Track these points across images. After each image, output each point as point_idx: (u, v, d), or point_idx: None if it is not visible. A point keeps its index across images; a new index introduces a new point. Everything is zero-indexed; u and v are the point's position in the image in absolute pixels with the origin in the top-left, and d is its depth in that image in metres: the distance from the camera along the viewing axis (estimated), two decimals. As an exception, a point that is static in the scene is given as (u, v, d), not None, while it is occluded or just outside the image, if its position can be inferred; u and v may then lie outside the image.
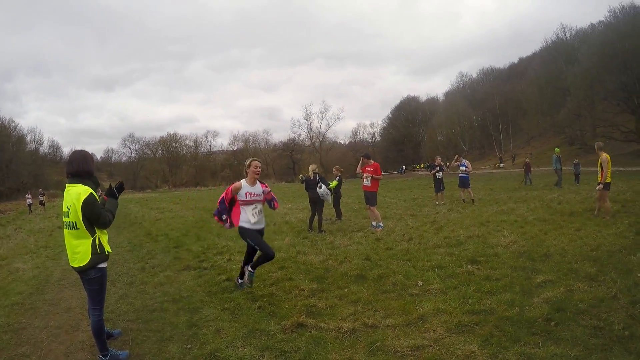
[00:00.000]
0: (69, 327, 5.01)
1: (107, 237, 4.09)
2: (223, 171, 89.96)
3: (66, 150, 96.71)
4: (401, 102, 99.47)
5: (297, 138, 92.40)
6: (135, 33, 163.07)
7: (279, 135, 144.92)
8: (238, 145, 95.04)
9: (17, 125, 74.86)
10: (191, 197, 36.91)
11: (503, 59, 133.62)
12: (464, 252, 7.19)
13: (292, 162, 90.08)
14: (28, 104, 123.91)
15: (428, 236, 9.02)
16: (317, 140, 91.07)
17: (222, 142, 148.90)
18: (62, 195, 4.10)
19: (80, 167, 3.91)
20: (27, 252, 11.45)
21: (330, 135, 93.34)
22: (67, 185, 3.92)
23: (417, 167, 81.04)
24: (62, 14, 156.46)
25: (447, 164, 63.19)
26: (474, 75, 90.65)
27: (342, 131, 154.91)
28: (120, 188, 4.26)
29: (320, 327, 4.33)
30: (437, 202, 15.69)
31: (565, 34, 63.05)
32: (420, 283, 5.66)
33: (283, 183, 72.81)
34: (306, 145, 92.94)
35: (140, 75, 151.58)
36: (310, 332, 4.26)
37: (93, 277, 3.90)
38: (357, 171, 11.15)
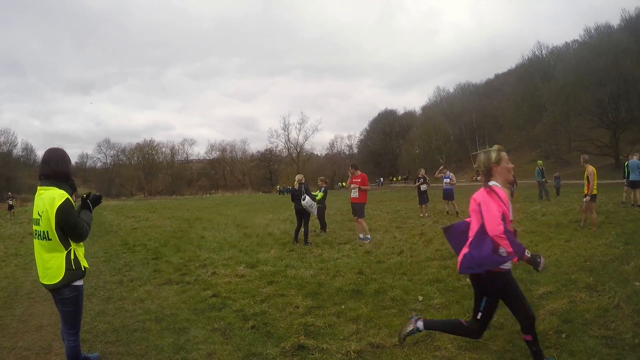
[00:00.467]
0: (39, 349, 4.49)
1: (83, 250, 3.54)
2: (200, 180, 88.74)
3: (40, 153, 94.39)
4: (379, 115, 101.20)
5: (274, 148, 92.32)
6: (114, 36, 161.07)
7: (256, 145, 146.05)
8: (215, 154, 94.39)
9: None
10: (168, 206, 35.71)
11: (479, 75, 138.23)
12: (458, 265, 6.99)
13: (269, 173, 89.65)
14: (1, 104, 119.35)
15: (418, 249, 8.79)
16: (295, 151, 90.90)
17: (198, 151, 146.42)
18: (33, 200, 3.51)
19: (58, 167, 3.37)
20: (-4, 260, 10.68)
21: (307, 146, 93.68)
22: (39, 188, 3.36)
23: (394, 179, 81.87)
24: (39, 11, 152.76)
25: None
26: (451, 90, 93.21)
27: (319, 143, 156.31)
28: (97, 200, 3.72)
29: (323, 349, 3.98)
30: (421, 215, 15.49)
31: (541, 52, 65.60)
32: (420, 298, 5.43)
33: (260, 193, 72.36)
34: (283, 156, 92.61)
35: (117, 79, 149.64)
36: (312, 354, 3.92)
37: (67, 296, 3.35)
38: (348, 183, 10.80)
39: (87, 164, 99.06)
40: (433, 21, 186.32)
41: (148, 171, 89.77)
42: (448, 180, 15.70)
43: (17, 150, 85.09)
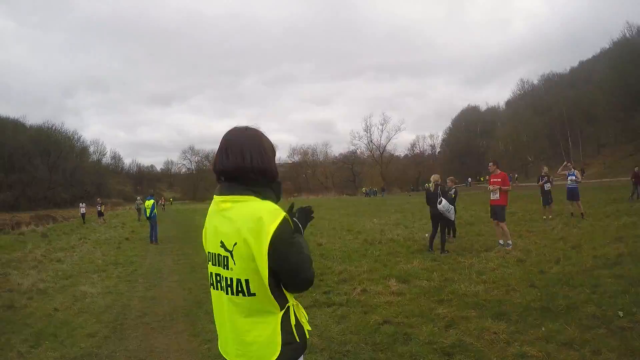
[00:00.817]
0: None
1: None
2: (284, 184, 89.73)
3: (127, 161, 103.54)
4: (461, 112, 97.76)
5: (357, 150, 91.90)
6: (188, 50, 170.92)
7: (337, 148, 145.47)
8: (296, 158, 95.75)
9: (80, 137, 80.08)
10: None
11: (560, 64, 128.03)
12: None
13: (352, 175, 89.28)
14: (89, 118, 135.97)
15: (571, 255, 7.98)
16: (378, 152, 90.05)
17: (280, 155, 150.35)
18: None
19: (254, 160, 1.72)
20: (95, 269, 10.33)
21: (389, 147, 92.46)
22: (217, 198, 1.76)
23: (482, 179, 77.99)
24: (118, 34, 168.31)
25: (516, 176, 61.03)
26: (535, 82, 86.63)
27: (398, 144, 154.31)
28: (306, 215, 1.99)
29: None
30: (544, 217, 14.33)
31: (632, 32, 59.19)
32: (620, 314, 4.73)
33: (344, 196, 72.38)
34: (365, 158, 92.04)
35: (195, 91, 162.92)
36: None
37: None
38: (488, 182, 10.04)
39: (172, 170, 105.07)
40: (504, 10, 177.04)
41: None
42: (573, 177, 14.32)
43: (107, 159, 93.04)
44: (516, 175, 62.46)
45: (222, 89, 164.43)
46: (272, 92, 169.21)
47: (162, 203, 48.37)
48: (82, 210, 30.49)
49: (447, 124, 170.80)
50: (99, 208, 28.80)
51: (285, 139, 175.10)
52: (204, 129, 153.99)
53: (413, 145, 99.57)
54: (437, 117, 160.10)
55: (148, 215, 15.84)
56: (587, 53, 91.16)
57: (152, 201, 16.12)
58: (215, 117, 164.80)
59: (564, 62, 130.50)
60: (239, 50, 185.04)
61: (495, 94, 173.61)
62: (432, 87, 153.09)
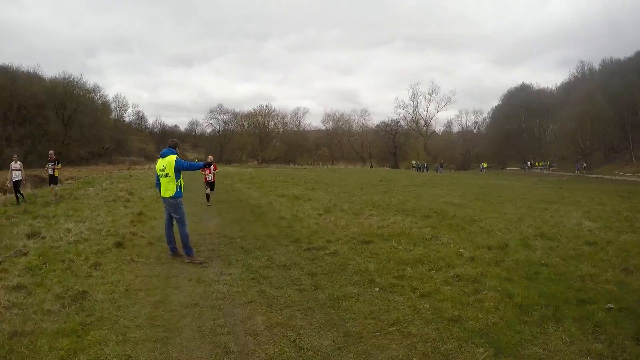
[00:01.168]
0: None
1: None
2: (320, 149, 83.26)
3: (151, 120, 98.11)
4: (514, 89, 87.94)
5: (401, 120, 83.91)
6: (211, 11, 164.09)
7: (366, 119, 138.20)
8: (330, 124, 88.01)
9: (101, 91, 73.47)
10: (319, 180, 27.72)
11: (599, 53, 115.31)
12: None
13: (393, 146, 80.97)
14: (111, 78, 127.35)
15: None
16: (424, 124, 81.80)
17: (310, 121, 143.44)
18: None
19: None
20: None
21: (432, 122, 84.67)
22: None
23: (538, 164, 69.80)
24: None
25: (584, 165, 53.24)
26: (596, 66, 77.37)
27: (436, 120, 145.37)
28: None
29: None
30: None
31: None
32: None
33: (386, 168, 64.98)
34: (409, 129, 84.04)
35: (217, 52, 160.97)
36: None
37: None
38: None
39: (197, 130, 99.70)
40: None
41: (262, 138, 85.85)
42: None
43: (129, 116, 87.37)
44: (584, 165, 56.66)
45: (244, 52, 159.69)
46: (295, 58, 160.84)
47: None
48: (50, 170, 15.50)
49: (475, 103, 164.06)
50: (51, 170, 15.38)
51: (308, 105, 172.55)
52: (227, 91, 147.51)
53: (450, 122, 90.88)
54: (464, 95, 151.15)
55: (163, 190, 7.07)
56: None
57: (174, 157, 6.95)
58: (238, 80, 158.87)
59: (603, 50, 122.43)
60: (262, 12, 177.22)
61: (526, 76, 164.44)
62: (461, 63, 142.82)
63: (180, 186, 6.98)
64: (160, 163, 6.99)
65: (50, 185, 15.88)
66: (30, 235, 8.31)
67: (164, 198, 7.08)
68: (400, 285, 5.37)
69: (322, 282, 5.63)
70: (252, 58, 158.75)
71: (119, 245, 7.65)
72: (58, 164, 15.54)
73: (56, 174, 15.44)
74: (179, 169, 6.87)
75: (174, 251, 7.15)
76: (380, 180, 27.68)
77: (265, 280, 5.73)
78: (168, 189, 6.92)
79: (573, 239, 8.53)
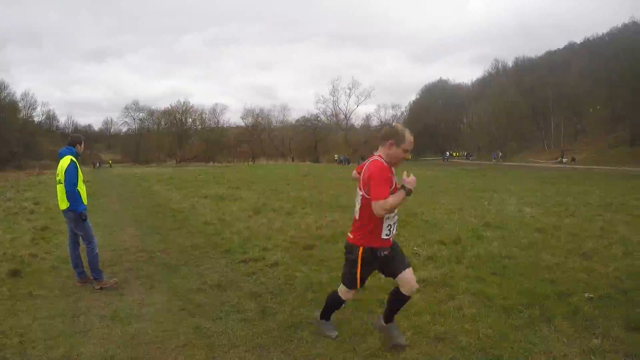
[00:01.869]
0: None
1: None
2: (240, 146, 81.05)
3: (63, 120, 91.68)
4: (432, 84, 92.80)
5: (321, 115, 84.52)
6: (126, 4, 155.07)
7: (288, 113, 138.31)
8: (250, 120, 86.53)
9: (7, 87, 66.18)
10: (242, 177, 26.06)
11: (510, 51, 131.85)
12: None
13: (314, 141, 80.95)
14: (20, 75, 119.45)
15: None
16: (344, 118, 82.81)
17: (229, 117, 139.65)
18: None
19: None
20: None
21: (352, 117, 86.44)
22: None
23: (456, 154, 74.07)
24: None
25: (500, 153, 56.74)
26: (510, 64, 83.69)
27: (355, 114, 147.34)
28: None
29: None
30: None
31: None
32: None
33: (307, 162, 64.57)
34: (329, 123, 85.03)
35: (133, 47, 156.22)
36: None
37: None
38: None
39: (112, 129, 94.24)
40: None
41: (181, 136, 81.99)
42: None
43: (39, 116, 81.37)
44: (500, 153, 61.16)
45: (162, 47, 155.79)
46: (214, 53, 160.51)
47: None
48: None
49: (394, 97, 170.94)
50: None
51: (227, 102, 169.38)
52: (143, 89, 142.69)
53: (369, 116, 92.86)
54: (383, 91, 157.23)
55: (59, 200, 5.53)
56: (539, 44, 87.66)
57: (68, 160, 5.35)
58: (154, 77, 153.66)
59: (516, 49, 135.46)
60: (181, 6, 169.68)
61: (443, 72, 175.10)
62: (381, 60, 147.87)
63: (78, 195, 5.28)
64: (61, 163, 5.37)
65: None
66: None
67: (62, 211, 5.44)
68: (363, 300, 4.46)
69: (270, 305, 4.50)
70: (170, 53, 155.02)
71: (14, 274, 5.85)
72: None
73: None
74: (71, 174, 5.23)
75: (81, 276, 5.50)
76: (306, 175, 26.81)
77: (198, 309, 4.44)
78: (63, 199, 5.30)
79: (521, 226, 8.38)
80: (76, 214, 5.27)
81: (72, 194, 5.19)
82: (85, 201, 5.40)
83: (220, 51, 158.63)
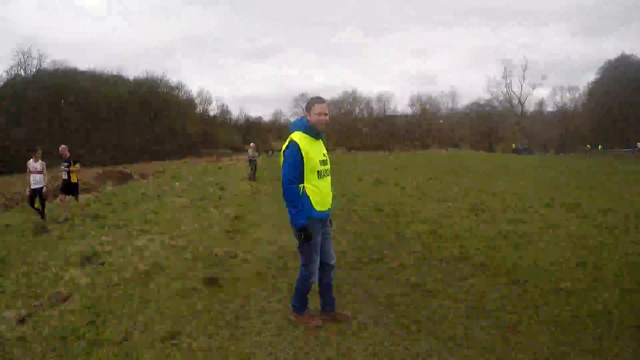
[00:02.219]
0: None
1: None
2: (410, 134, 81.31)
3: (235, 113, 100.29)
4: (611, 62, 79.04)
5: (494, 100, 79.98)
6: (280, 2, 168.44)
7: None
8: (417, 108, 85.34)
9: (184, 86, 77.68)
10: (451, 167, 24.77)
11: None
12: None
13: (487, 128, 77.47)
14: (190, 76, 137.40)
15: None
16: (518, 103, 77.45)
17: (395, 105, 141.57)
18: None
19: None
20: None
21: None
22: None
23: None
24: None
25: None
26: None
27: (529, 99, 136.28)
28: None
29: None
30: None
31: None
32: None
33: (480, 152, 61.89)
34: (501, 109, 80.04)
35: (293, 44, 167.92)
36: None
37: None
38: None
39: (281, 120, 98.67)
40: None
41: (349, 125, 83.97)
42: None
43: (213, 109, 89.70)
44: None
45: (317, 40, 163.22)
46: (368, 42, 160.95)
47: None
48: (64, 173, 10.31)
49: (565, 79, 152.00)
50: (65, 173, 10.21)
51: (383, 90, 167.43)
52: (304, 80, 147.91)
53: (542, 101, 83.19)
54: (550, 72, 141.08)
55: (324, 195, 3.64)
56: None
57: (289, 138, 3.61)
58: (312, 69, 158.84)
59: None
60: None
61: (622, 46, 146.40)
62: (547, 37, 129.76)
63: (297, 197, 3.47)
64: (316, 147, 3.55)
65: (62, 194, 10.31)
66: (85, 259, 5.77)
67: (320, 213, 3.54)
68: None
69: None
70: (326, 46, 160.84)
71: (211, 282, 4.75)
72: (75, 163, 10.23)
73: (73, 178, 10.25)
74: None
75: (327, 309, 3.86)
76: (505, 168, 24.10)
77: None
78: (330, 193, 3.69)
79: None
80: (294, 228, 3.50)
81: (289, 192, 3.43)
82: (321, 205, 3.55)
83: (376, 40, 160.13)
